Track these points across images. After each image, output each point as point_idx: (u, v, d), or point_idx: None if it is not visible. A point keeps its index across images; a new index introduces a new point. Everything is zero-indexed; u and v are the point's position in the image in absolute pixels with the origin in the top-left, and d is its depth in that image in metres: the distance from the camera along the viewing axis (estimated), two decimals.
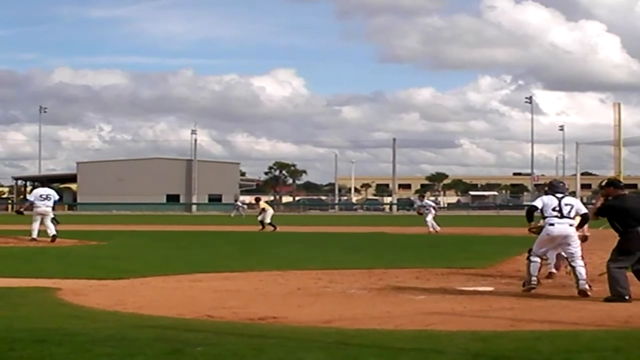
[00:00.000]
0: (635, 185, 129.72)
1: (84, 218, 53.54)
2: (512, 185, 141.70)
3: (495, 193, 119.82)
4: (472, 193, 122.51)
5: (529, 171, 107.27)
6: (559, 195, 12.08)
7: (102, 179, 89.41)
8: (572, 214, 11.90)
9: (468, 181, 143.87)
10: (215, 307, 10.07)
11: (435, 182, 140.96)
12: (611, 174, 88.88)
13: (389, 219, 58.10)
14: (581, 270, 11.61)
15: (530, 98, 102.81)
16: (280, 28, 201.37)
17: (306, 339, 7.32)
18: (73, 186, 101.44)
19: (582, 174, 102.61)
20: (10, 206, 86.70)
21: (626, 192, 11.99)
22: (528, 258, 12.11)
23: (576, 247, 11.86)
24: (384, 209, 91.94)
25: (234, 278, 13.85)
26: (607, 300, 10.82)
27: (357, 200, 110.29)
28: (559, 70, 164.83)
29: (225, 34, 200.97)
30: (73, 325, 8.19)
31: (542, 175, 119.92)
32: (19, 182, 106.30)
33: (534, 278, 11.90)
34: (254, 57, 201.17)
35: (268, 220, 33.25)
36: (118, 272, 14.28)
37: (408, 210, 76.91)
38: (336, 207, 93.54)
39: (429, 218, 33.74)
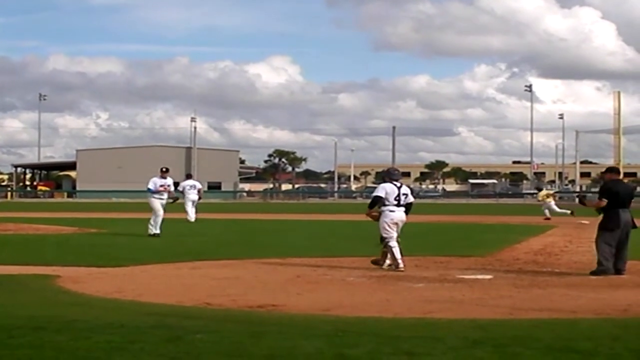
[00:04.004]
0: (634, 174, 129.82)
1: (83, 205, 53.57)
2: (512, 173, 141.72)
3: (495, 181, 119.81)
4: (471, 181, 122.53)
5: (528, 159, 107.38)
6: (398, 184, 13.42)
7: (101, 166, 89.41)
8: (404, 202, 13.30)
9: (467, 169, 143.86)
10: (215, 295, 10.08)
11: (434, 170, 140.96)
12: (610, 162, 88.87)
13: None
14: (398, 250, 13.07)
15: (530, 86, 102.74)
16: (275, 15, 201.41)
17: (305, 326, 7.32)
18: (72, 174, 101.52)
19: (581, 162, 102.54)
20: (10, 193, 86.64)
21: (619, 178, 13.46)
22: (385, 246, 13.10)
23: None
24: None
25: (233, 266, 13.86)
26: (592, 273, 12.29)
27: (356, 188, 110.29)
28: (554, 58, 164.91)
29: (221, 21, 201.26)
30: (72, 313, 8.19)
31: (542, 163, 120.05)
32: (19, 169, 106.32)
33: (400, 260, 12.94)
34: (249, 44, 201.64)
35: None
36: (117, 260, 14.29)
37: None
38: (335, 194, 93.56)
39: (189, 207, 28.03)
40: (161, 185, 21.21)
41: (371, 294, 10.44)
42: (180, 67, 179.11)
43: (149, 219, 21.15)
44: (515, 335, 6.64)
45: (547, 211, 33.43)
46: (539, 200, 35.66)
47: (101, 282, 11.52)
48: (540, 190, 39.59)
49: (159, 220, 20.89)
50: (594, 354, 5.84)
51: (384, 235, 13.16)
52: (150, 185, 21.27)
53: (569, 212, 32.80)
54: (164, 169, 21.72)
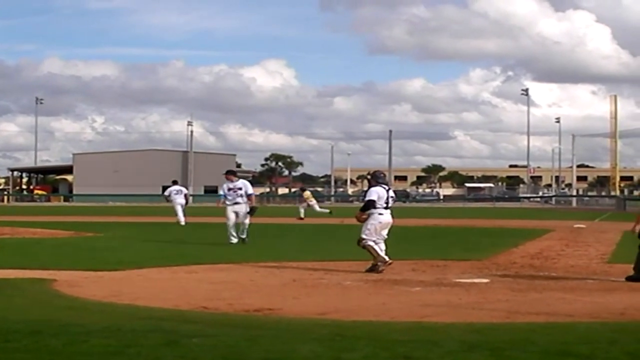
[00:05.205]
0: (631, 178, 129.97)
1: (79, 209, 53.52)
2: (508, 177, 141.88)
3: (491, 185, 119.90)
4: (467, 185, 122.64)
5: (524, 163, 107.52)
6: (386, 188, 13.74)
7: (98, 170, 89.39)
8: (391, 205, 13.66)
9: (464, 173, 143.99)
10: (211, 299, 10.07)
11: (431, 174, 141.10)
12: (606, 166, 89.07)
13: None
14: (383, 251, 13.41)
15: (527, 90, 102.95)
16: (270, 19, 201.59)
17: (301, 330, 7.32)
18: (69, 177, 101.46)
19: (577, 166, 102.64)
20: (6, 197, 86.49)
21: None
22: (364, 246, 13.39)
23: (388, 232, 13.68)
24: None
25: (229, 270, 13.85)
26: (628, 279, 11.86)
27: (353, 192, 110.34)
28: (549, 62, 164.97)
29: (216, 25, 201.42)
30: (68, 317, 8.17)
31: (538, 167, 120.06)
32: (15, 173, 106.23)
33: (383, 257, 13.27)
34: (244, 48, 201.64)
35: None
36: (114, 264, 14.26)
37: (404, 202, 76.89)
38: (332, 198, 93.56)
39: (178, 211, 30.89)
40: (230, 189, 19.82)
41: (368, 297, 10.43)
42: (175, 71, 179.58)
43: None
44: (512, 339, 6.64)
45: (302, 210, 37.59)
46: (304, 200, 39.11)
47: (97, 285, 11.50)
48: (304, 190, 43.13)
49: (232, 228, 19.58)
50: (591, 357, 5.84)
51: (364, 236, 13.44)
52: (221, 191, 20.43)
53: (327, 211, 37.91)
54: (226, 172, 20.49)
